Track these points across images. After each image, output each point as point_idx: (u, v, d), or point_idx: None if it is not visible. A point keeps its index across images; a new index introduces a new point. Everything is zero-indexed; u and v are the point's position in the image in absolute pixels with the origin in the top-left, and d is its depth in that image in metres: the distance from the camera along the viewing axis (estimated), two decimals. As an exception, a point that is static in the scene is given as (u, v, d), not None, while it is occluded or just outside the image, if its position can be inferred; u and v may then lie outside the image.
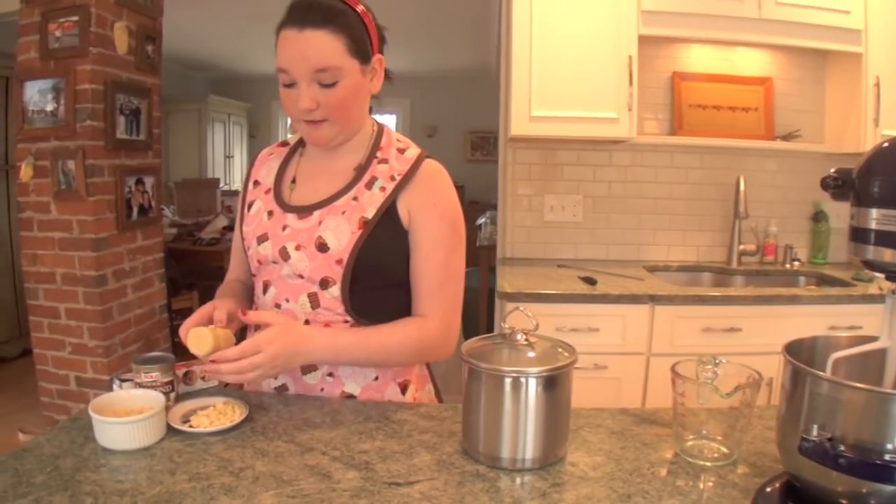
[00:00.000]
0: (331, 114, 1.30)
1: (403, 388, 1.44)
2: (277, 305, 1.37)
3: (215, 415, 1.21)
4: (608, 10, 2.81)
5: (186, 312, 5.01)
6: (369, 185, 1.36)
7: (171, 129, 8.05)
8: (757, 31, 2.89)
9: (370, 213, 1.33)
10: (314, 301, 1.34)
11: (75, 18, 3.17)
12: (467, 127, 9.15)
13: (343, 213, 1.34)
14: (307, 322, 1.34)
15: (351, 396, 1.38)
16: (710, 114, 3.31)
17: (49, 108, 3.26)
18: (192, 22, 6.01)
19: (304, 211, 1.37)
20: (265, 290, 1.40)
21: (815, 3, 2.85)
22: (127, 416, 1.12)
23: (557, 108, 2.84)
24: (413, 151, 1.42)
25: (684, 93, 3.29)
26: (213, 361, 1.18)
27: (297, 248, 1.34)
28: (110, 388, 1.27)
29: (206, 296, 5.15)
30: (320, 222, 1.34)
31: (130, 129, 3.49)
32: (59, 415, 3.49)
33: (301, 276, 1.34)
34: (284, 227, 1.37)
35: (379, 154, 1.41)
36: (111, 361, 3.42)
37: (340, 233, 1.32)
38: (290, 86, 1.28)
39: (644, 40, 2.87)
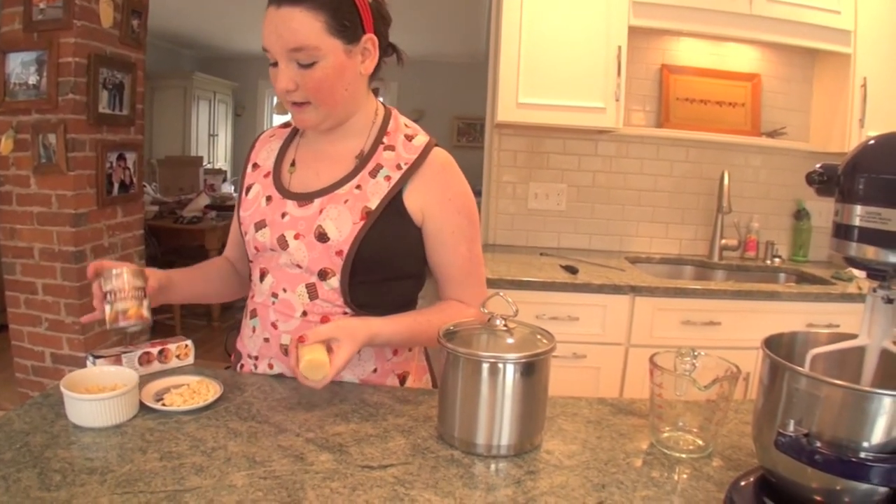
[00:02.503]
0: (311, 96, 1.23)
1: (402, 380, 1.42)
2: (275, 295, 1.34)
3: (189, 393, 1.20)
4: (599, -1, 2.80)
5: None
6: (374, 174, 1.31)
7: (155, 105, 7.96)
8: (747, 27, 2.89)
9: (374, 204, 1.29)
10: (312, 292, 1.31)
11: (60, -10, 3.12)
12: (454, 113, 9.11)
13: (345, 201, 1.29)
14: (304, 313, 1.31)
15: None
16: (697, 108, 3.31)
17: (31, 80, 3.21)
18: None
19: (304, 198, 1.32)
20: (262, 277, 1.36)
21: (805, 2, 2.86)
22: (99, 392, 1.10)
23: (545, 95, 2.83)
24: (421, 139, 1.36)
25: (672, 86, 3.29)
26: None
27: (297, 237, 1.29)
28: (85, 365, 1.25)
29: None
30: (321, 211, 1.29)
31: (113, 103, 3.44)
32: (34, 391, 3.45)
33: (299, 266, 1.31)
34: (283, 215, 1.32)
35: (385, 140, 1.36)
36: (88, 338, 3.39)
37: (341, 223, 1.27)
38: (274, 65, 1.23)
39: (634, 31, 2.87)
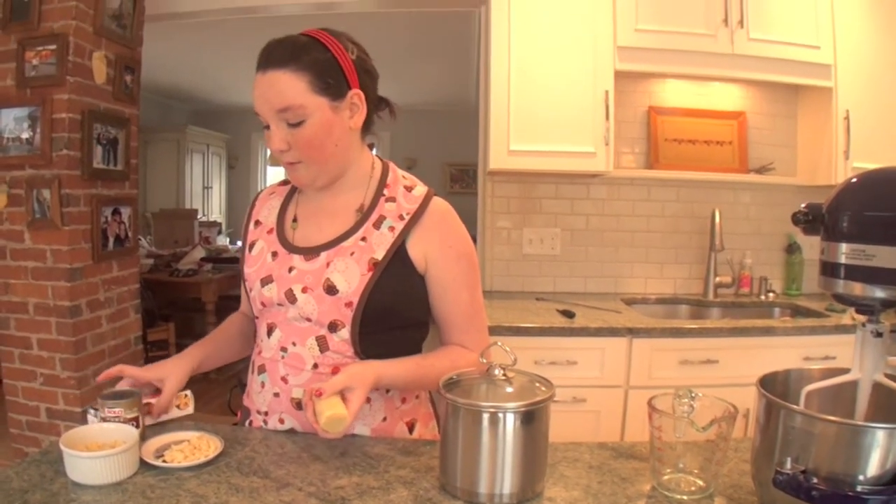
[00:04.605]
0: (302, 154, 1.29)
1: (411, 427, 1.43)
2: (283, 349, 1.34)
3: (190, 449, 1.19)
4: (585, 45, 2.86)
5: (162, 344, 4.97)
6: (377, 225, 1.35)
7: (149, 158, 8.02)
8: (730, 67, 2.95)
9: (380, 254, 1.32)
10: (322, 344, 1.32)
11: (53, 47, 3.17)
12: (446, 159, 9.19)
13: (352, 254, 1.32)
14: (315, 366, 1.32)
15: None
16: (685, 148, 3.36)
17: (24, 135, 3.24)
18: (172, 53, 6.03)
19: (310, 252, 1.35)
20: (269, 332, 1.37)
21: (786, 39, 2.93)
22: (99, 450, 1.10)
23: (536, 142, 2.87)
24: (420, 189, 1.41)
25: (660, 127, 3.34)
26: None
27: (304, 290, 1.31)
28: (83, 419, 1.25)
29: (183, 327, 5.11)
30: (328, 264, 1.32)
31: (107, 158, 3.47)
32: (28, 447, 3.42)
33: (308, 319, 1.32)
34: (290, 269, 1.34)
35: (386, 192, 1.40)
36: (83, 393, 3.37)
37: (350, 275, 1.30)
38: (267, 128, 1.29)
39: (620, 75, 2.92)
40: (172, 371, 1.35)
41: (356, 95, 1.32)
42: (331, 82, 1.27)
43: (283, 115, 1.25)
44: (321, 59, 1.27)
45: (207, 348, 1.48)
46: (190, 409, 1.40)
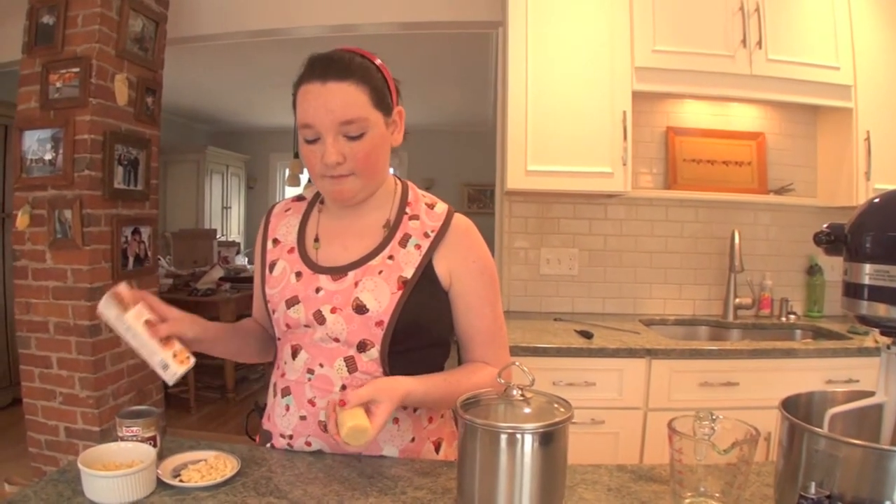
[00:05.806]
0: (357, 167, 1.27)
1: (437, 447, 1.42)
2: (310, 371, 1.33)
3: (206, 469, 1.19)
4: (602, 66, 2.86)
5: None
6: (403, 243, 1.35)
7: (169, 178, 8.10)
8: (749, 88, 2.94)
9: (409, 273, 1.32)
10: (351, 365, 1.30)
11: (76, 70, 3.22)
12: (464, 180, 9.21)
13: (380, 272, 1.31)
14: (344, 387, 1.30)
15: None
16: (704, 168, 3.34)
17: (47, 157, 3.29)
18: (193, 75, 6.10)
19: (337, 272, 1.34)
20: (294, 354, 1.35)
21: (805, 60, 2.92)
22: (116, 469, 1.10)
23: (553, 162, 2.87)
24: (442, 206, 1.42)
25: (678, 147, 3.33)
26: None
27: (333, 310, 1.30)
28: (101, 438, 1.25)
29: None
30: (356, 283, 1.31)
31: (128, 179, 3.51)
32: (47, 466, 3.43)
33: (336, 340, 1.31)
34: (318, 290, 1.33)
35: (408, 210, 1.40)
36: (102, 412, 3.38)
37: (380, 293, 1.29)
38: (313, 141, 1.27)
39: (638, 96, 2.92)
40: (185, 315, 1.35)
41: (399, 113, 1.36)
42: (384, 98, 1.30)
43: (345, 127, 1.24)
44: (376, 75, 1.29)
45: (221, 329, 1.43)
46: (182, 369, 1.28)
